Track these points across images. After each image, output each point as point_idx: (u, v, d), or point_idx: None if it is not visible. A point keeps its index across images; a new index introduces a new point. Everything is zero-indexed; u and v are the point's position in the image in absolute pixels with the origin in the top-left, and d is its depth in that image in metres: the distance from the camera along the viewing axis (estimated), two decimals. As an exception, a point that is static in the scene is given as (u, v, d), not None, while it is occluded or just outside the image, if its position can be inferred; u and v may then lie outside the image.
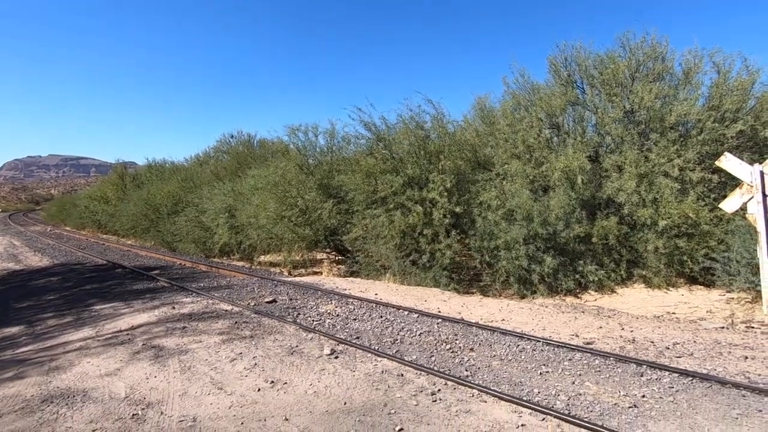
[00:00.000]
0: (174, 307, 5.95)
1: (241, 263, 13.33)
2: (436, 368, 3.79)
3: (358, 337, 4.66)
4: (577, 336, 4.83)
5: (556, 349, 4.32)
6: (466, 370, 3.74)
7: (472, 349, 4.29)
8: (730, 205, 6.77)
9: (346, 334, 4.81)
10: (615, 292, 8.91)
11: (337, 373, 3.67)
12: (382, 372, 3.69)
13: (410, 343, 4.48)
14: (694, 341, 4.68)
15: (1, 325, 5.48)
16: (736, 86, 8.92)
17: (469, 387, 3.38)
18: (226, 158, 21.57)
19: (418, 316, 5.53)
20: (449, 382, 3.48)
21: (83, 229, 29.14)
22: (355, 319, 5.42)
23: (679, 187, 8.48)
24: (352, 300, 6.45)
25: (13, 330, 5.28)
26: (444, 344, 4.43)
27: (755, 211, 6.41)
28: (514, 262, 8.62)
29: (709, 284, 8.38)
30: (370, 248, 10.43)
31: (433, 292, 7.58)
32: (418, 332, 4.84)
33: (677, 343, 4.57)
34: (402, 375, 3.63)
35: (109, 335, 4.88)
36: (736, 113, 8.65)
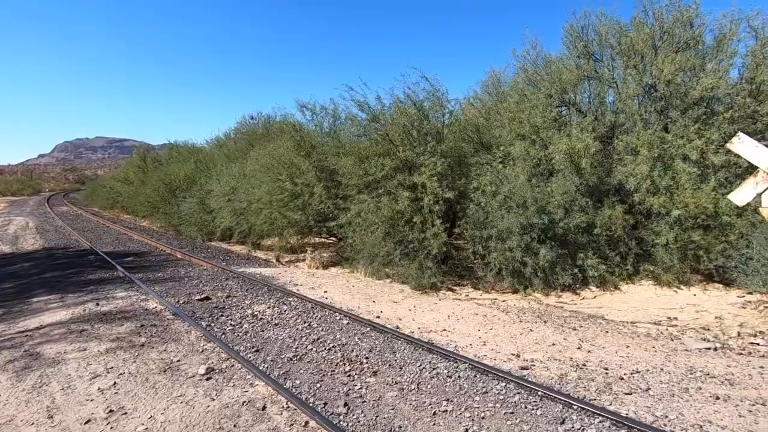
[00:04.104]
0: (99, 304, 5.59)
1: (238, 248, 13.08)
2: (312, 399, 3.16)
3: (257, 350, 4.09)
4: (517, 356, 4.05)
5: (478, 375, 3.58)
6: (345, 405, 3.08)
7: (375, 373, 3.62)
8: (741, 196, 5.62)
9: (250, 344, 4.25)
10: (618, 288, 7.94)
11: (193, 402, 3.11)
12: (245, 402, 3.10)
13: (310, 361, 3.86)
14: (662, 368, 3.80)
15: None
16: (775, 53, 7.56)
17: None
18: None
19: (347, 323, 4.89)
20: (312, 422, 2.84)
21: (110, 209, 30.07)
22: (276, 325, 4.85)
23: (699, 172, 7.35)
24: (293, 299, 5.88)
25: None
26: (348, 364, 3.78)
27: (771, 205, 5.28)
28: (506, 254, 7.79)
29: (729, 283, 7.30)
30: (355, 236, 9.84)
31: (394, 290, 6.91)
32: (331, 345, 4.20)
33: (637, 372, 3.72)
34: (264, 408, 3.03)
35: (11, 335, 4.56)
36: (776, 86, 7.36)
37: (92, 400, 3.17)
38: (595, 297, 7.86)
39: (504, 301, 6.74)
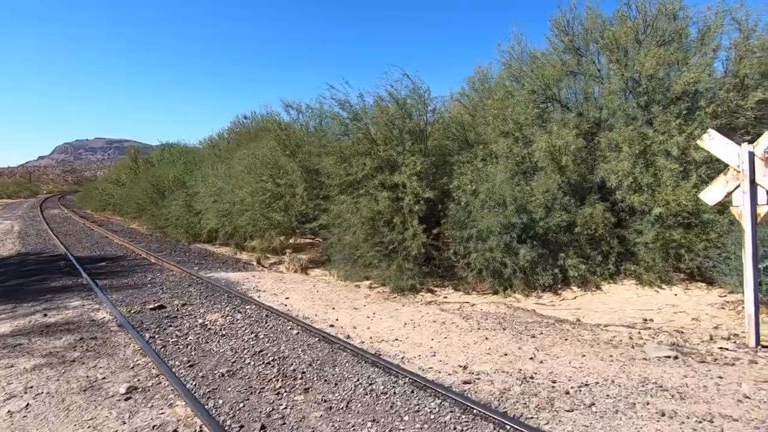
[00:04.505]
0: (47, 314, 5.41)
1: (223, 250, 12.93)
2: (229, 422, 2.97)
3: (192, 365, 3.90)
4: (464, 368, 3.86)
5: (415, 391, 3.38)
6: (262, 428, 2.88)
7: (307, 390, 3.42)
8: (711, 195, 5.44)
9: (186, 358, 4.06)
10: (600, 288, 7.77)
11: (101, 426, 2.92)
12: (155, 427, 2.91)
13: (242, 377, 3.67)
14: (613, 381, 3.60)
15: None
16: (758, 46, 7.36)
17: (238, 459, 2.54)
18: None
19: (297, 333, 4.70)
20: (219, 449, 2.66)
21: (102, 211, 29.85)
22: (223, 336, 4.67)
23: (681, 168, 7.19)
24: (250, 307, 5.69)
25: None
26: (281, 379, 3.59)
27: (741, 204, 5.08)
28: (486, 254, 7.62)
29: (712, 282, 7.13)
30: (334, 238, 9.67)
31: (359, 294, 6.72)
32: (271, 358, 4.02)
33: (586, 385, 3.51)
34: (174, 433, 2.85)
35: (-55, 351, 4.38)
36: (761, 79, 7.15)
37: (-3, 424, 3.00)
38: (575, 297, 7.69)
39: (473, 305, 6.55)
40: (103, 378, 3.62)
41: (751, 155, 4.95)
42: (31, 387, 3.49)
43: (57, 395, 3.35)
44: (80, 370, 3.80)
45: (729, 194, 5.25)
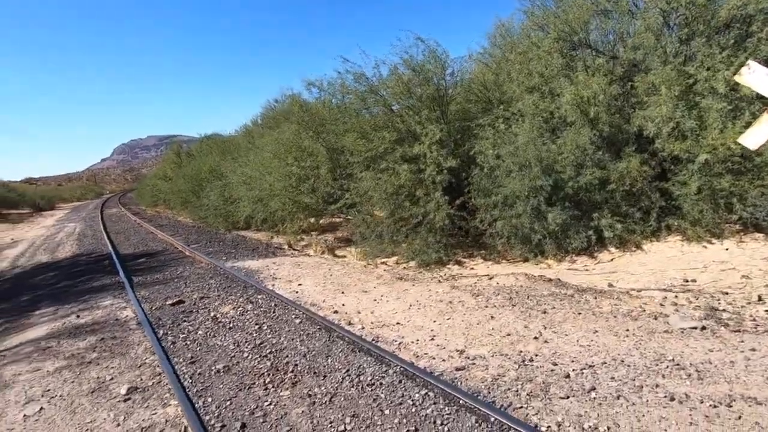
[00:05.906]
0: (79, 316, 5.79)
1: (259, 235, 13.36)
2: (213, 421, 3.01)
3: (194, 362, 4.01)
4: (461, 352, 3.67)
5: (403, 381, 3.26)
6: (243, 427, 2.90)
7: (295, 384, 3.41)
8: (753, 138, 4.73)
9: (191, 354, 4.18)
10: (640, 248, 7.28)
11: (98, 429, 3.08)
12: (145, 429, 3.01)
13: (236, 372, 3.71)
14: (623, 360, 3.28)
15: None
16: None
17: (212, 461, 2.57)
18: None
19: (299, 322, 4.70)
20: (197, 451, 2.70)
21: (154, 207, 31.69)
22: (231, 329, 4.77)
23: (731, 107, 6.42)
24: (261, 296, 5.78)
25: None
26: (273, 374, 3.59)
27: (788, 146, 4.39)
28: (512, 221, 7.32)
29: None
30: (357, 216, 9.65)
31: (372, 276, 6.63)
32: (268, 351, 4.04)
33: (590, 366, 3.23)
34: (160, 434, 2.93)
35: (-9, 356, 4.82)
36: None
37: (12, 429, 3.23)
38: (612, 260, 7.25)
39: (492, 278, 6.27)
40: (111, 378, 3.82)
41: (799, 87, 4.20)
42: (48, 390, 3.75)
43: (68, 398, 3.57)
44: (93, 371, 4.02)
45: (774, 136, 4.54)
